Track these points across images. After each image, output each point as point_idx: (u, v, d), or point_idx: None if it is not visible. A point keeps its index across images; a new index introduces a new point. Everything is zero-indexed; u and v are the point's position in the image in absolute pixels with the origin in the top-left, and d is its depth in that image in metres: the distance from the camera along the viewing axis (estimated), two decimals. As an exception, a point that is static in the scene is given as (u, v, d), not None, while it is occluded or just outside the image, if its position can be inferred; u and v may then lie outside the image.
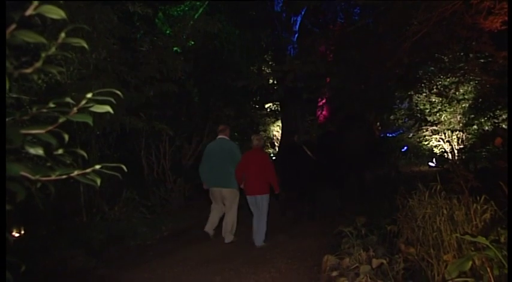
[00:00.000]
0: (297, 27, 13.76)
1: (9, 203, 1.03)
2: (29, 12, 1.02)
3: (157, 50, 7.70)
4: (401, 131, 16.11)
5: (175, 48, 8.51)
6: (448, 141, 13.84)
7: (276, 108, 16.27)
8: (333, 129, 10.87)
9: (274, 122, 17.30)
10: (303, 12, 13.73)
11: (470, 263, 2.87)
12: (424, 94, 13.28)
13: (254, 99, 13.87)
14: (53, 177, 1.08)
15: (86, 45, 1.10)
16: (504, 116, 11.65)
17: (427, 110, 13.88)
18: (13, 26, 0.99)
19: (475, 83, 11.66)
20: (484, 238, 2.84)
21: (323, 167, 8.45)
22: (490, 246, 2.82)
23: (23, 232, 5.67)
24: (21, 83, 4.81)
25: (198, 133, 9.87)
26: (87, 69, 6.38)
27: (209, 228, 6.68)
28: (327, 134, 11.15)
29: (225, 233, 6.52)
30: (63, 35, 1.04)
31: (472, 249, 3.38)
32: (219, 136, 6.75)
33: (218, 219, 6.73)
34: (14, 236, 5.50)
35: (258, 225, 6.22)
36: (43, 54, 1.05)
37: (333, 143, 9.78)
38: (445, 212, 3.99)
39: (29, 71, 1.07)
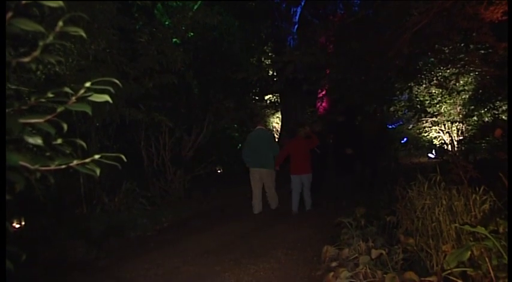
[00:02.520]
0: (297, 18, 13.70)
1: (8, 193, 1.03)
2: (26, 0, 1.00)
3: (157, 41, 7.64)
4: (401, 123, 16.06)
5: (174, 40, 8.45)
6: (447, 132, 13.81)
7: (276, 99, 16.23)
8: (343, 119, 10.78)
9: (274, 114, 17.28)
10: (302, 3, 13.66)
11: (469, 253, 2.88)
12: (424, 85, 13.19)
13: (254, 90, 13.83)
14: (52, 167, 1.08)
15: (83, 34, 1.09)
16: (504, 107, 11.60)
17: (427, 102, 13.81)
18: (10, 14, 0.98)
19: (475, 74, 11.57)
20: (483, 228, 2.85)
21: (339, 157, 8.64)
22: (489, 236, 2.83)
23: (23, 223, 5.68)
24: (20, 74, 4.79)
25: (197, 125, 9.86)
26: (86, 60, 6.34)
27: (257, 207, 7.83)
28: (339, 124, 11.07)
29: (271, 203, 7.98)
30: (61, 23, 1.03)
31: (471, 239, 3.39)
32: (258, 127, 8.22)
33: (260, 196, 7.88)
34: (14, 227, 5.51)
35: (305, 198, 7.79)
36: (41, 43, 1.04)
37: (348, 132, 9.86)
38: (444, 202, 4.00)
39: (27, 60, 1.06)
